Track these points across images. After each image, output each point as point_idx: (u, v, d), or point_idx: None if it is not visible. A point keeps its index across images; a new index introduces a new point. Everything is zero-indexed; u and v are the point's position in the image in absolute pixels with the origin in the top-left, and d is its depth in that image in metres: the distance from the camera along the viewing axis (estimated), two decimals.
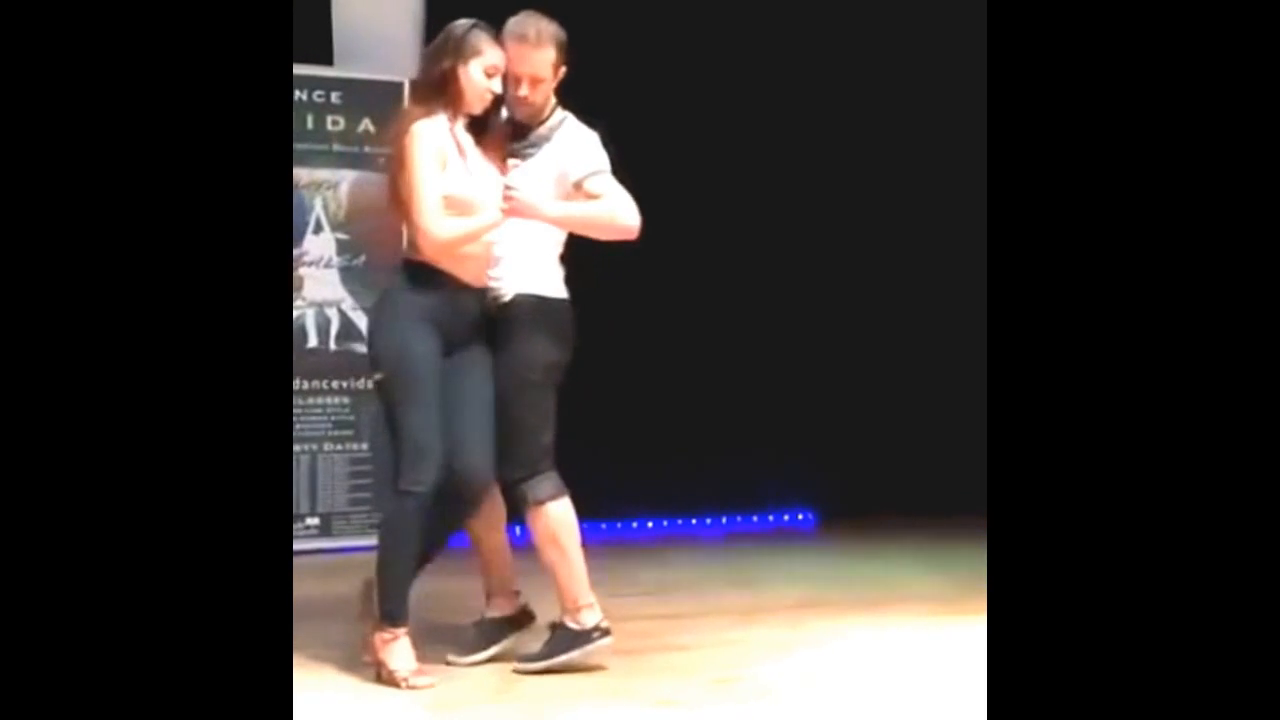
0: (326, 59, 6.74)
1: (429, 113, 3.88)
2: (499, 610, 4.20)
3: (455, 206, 3.83)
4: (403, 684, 3.82)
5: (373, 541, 6.62)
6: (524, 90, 3.95)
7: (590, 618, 4.01)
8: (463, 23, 3.94)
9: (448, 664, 4.08)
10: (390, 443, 3.97)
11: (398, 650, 3.88)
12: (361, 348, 6.88)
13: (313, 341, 6.66)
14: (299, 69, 5.78)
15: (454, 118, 3.91)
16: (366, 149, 6.81)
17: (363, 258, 6.81)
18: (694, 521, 7.65)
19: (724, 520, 7.73)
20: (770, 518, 7.79)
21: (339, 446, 6.74)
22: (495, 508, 4.15)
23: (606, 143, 4.06)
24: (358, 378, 6.80)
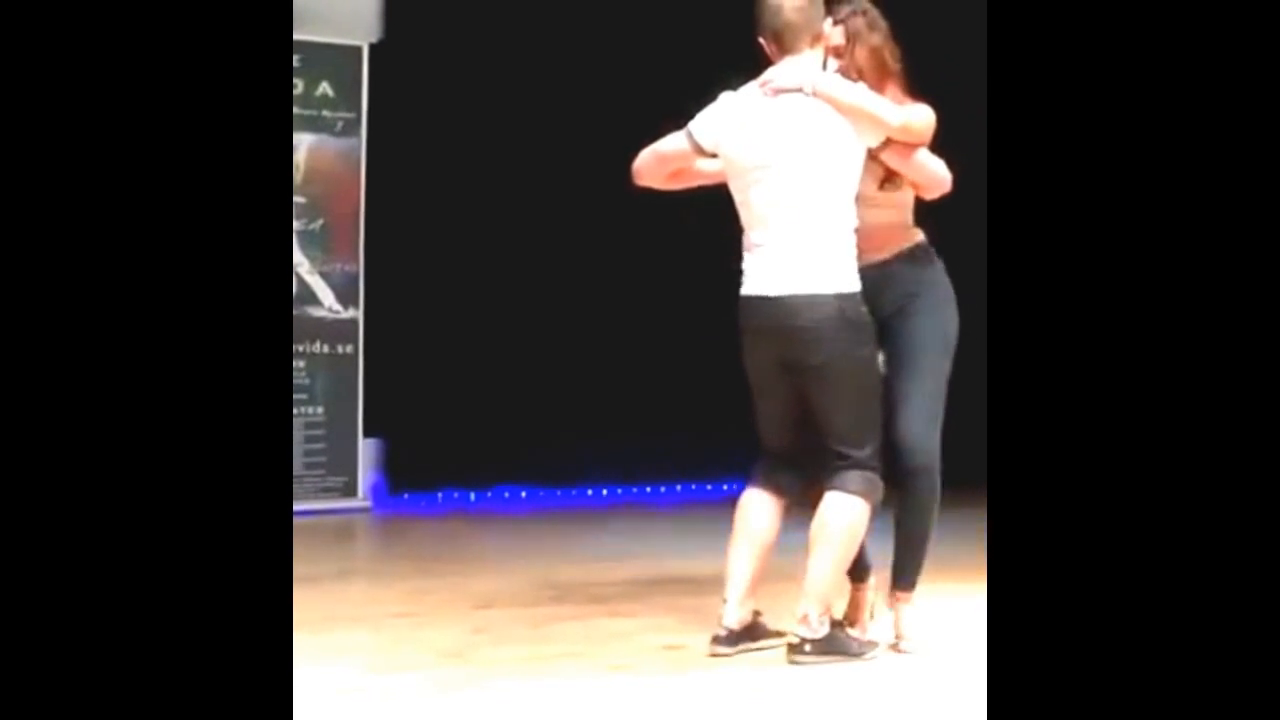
0: None
1: None
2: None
3: None
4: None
5: (325, 505, 6.71)
6: None
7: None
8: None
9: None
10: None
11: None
12: (318, 312, 6.89)
13: None
14: None
15: None
16: (325, 113, 6.79)
17: (320, 221, 6.79)
18: (648, 489, 7.68)
19: (678, 488, 7.76)
20: (725, 485, 7.81)
21: (294, 410, 6.71)
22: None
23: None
24: (313, 341, 6.79)
